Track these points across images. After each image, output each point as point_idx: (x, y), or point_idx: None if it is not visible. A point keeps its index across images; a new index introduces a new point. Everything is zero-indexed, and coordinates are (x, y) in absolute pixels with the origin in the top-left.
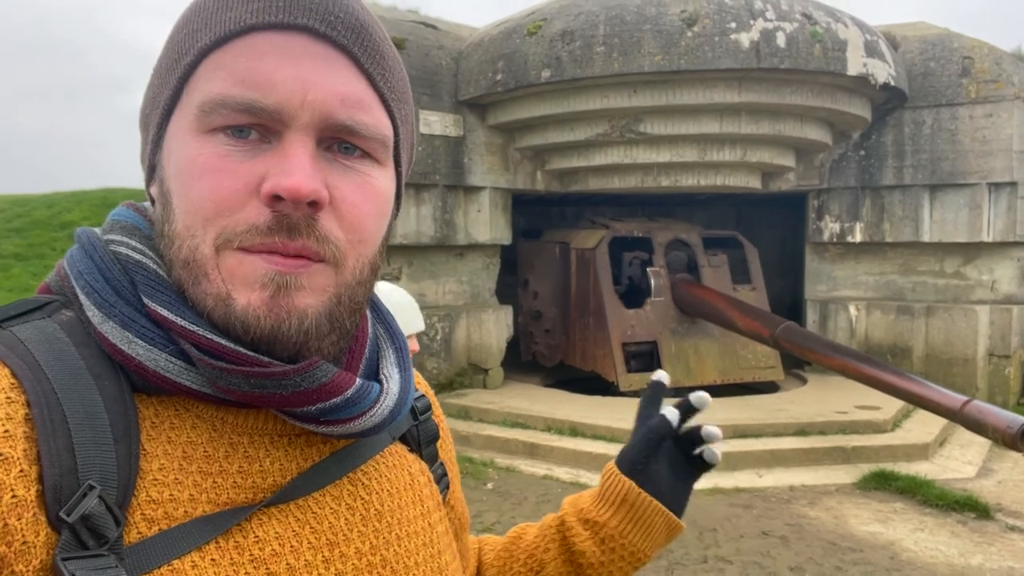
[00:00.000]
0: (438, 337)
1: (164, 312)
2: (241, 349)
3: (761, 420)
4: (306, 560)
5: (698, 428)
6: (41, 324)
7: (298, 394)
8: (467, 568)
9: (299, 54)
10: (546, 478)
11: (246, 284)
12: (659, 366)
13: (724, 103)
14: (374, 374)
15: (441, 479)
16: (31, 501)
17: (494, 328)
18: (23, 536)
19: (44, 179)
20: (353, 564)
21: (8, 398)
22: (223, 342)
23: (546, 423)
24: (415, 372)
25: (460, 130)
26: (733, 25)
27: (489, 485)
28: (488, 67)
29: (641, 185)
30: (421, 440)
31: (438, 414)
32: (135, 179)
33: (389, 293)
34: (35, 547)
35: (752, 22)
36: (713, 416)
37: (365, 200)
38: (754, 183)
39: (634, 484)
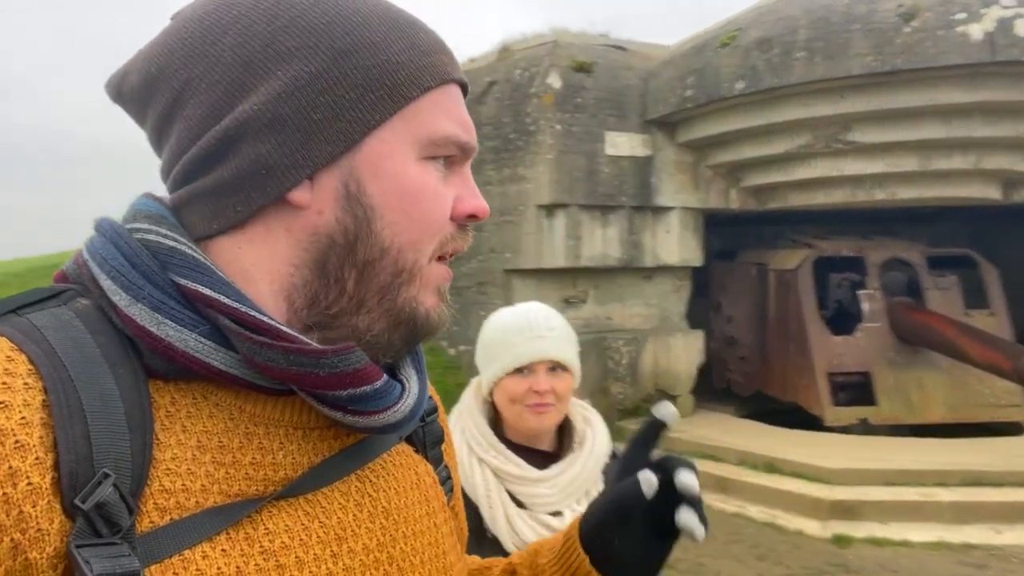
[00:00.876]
0: (624, 361)
1: (206, 291)
2: (281, 326)
3: (1000, 467)
4: (315, 553)
5: (671, 478)
6: (57, 311)
7: (333, 375)
8: None
9: (464, 104)
10: (737, 516)
11: (431, 290)
12: (873, 399)
13: (950, 104)
14: (392, 376)
15: (446, 481)
16: (46, 488)
17: (683, 353)
18: (37, 523)
19: None
20: (360, 560)
21: (26, 384)
22: (264, 318)
23: (739, 457)
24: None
25: (648, 150)
26: (961, 16)
27: None
28: (677, 84)
29: (851, 199)
30: (427, 441)
31: (443, 417)
32: None
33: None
34: (49, 534)
35: (984, 11)
36: (941, 459)
37: None
38: (992, 193)
39: (587, 561)
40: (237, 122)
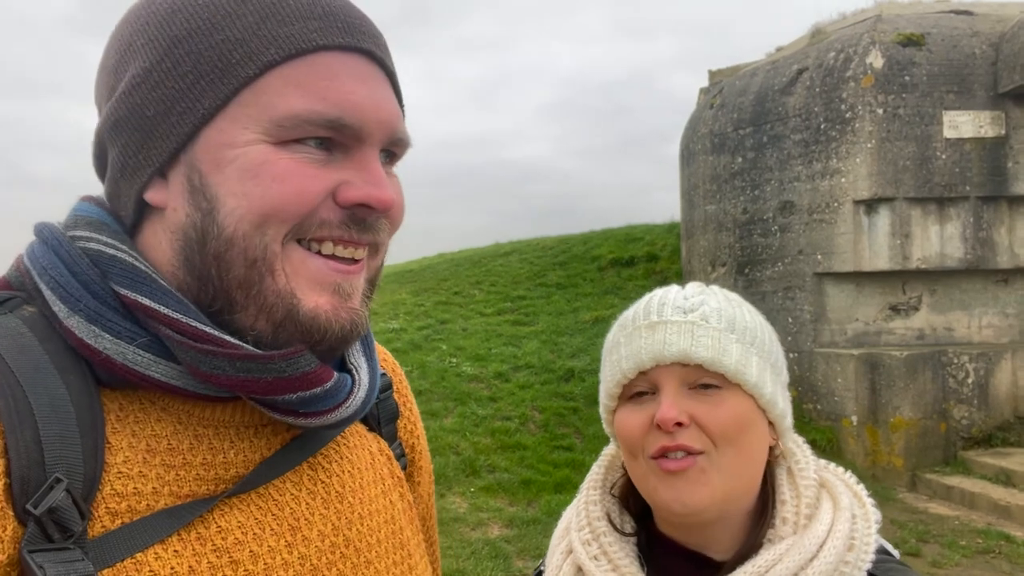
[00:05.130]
0: (969, 380)
1: (147, 301)
2: (224, 335)
3: None
4: (269, 546)
5: None
6: (3, 319)
7: (280, 380)
8: (434, 563)
9: (365, 76)
10: None
11: (312, 287)
12: None
13: None
14: (341, 363)
15: (400, 458)
16: None
17: None
18: None
19: (593, 221)
20: (316, 546)
21: None
22: (206, 328)
23: None
24: (380, 347)
25: (1000, 128)
26: None
27: None
28: None
29: None
30: (381, 418)
31: (402, 391)
32: (647, 214)
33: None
34: (2, 541)
35: None
36: None
37: (401, 196)
38: None
39: None
40: (100, 128)
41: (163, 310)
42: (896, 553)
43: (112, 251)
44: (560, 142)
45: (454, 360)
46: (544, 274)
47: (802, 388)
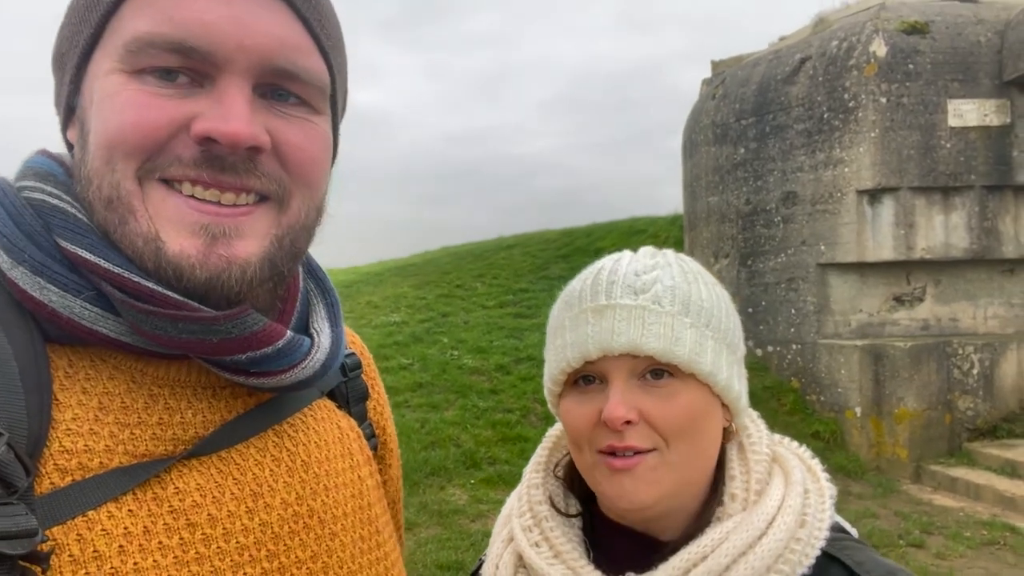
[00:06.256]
0: (974, 371)
1: (86, 255)
2: (169, 292)
3: None
4: (229, 510)
5: None
6: None
7: (227, 341)
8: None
9: None
10: None
11: (175, 228)
12: None
13: None
14: (304, 328)
15: (370, 439)
16: None
17: None
18: None
19: (598, 215)
20: (279, 514)
21: None
22: (150, 284)
23: None
24: (348, 330)
25: (1006, 117)
26: None
27: None
28: None
29: None
30: (350, 397)
31: (370, 374)
32: (653, 208)
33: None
34: None
35: None
36: None
37: (310, 142)
38: None
39: None
40: None
41: (103, 264)
42: (853, 531)
43: (55, 201)
44: (566, 136)
45: (455, 353)
46: (547, 267)
47: (805, 380)
